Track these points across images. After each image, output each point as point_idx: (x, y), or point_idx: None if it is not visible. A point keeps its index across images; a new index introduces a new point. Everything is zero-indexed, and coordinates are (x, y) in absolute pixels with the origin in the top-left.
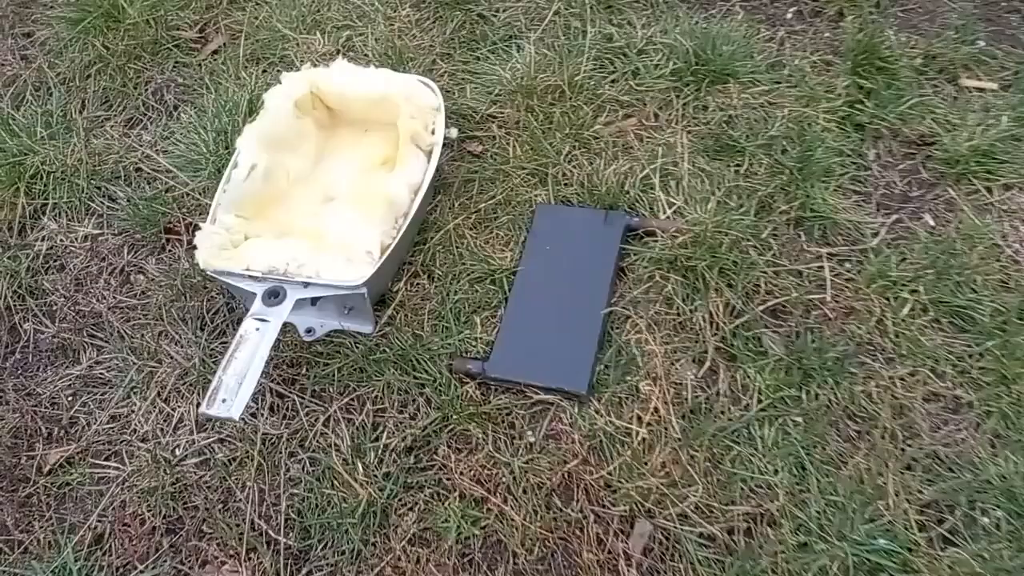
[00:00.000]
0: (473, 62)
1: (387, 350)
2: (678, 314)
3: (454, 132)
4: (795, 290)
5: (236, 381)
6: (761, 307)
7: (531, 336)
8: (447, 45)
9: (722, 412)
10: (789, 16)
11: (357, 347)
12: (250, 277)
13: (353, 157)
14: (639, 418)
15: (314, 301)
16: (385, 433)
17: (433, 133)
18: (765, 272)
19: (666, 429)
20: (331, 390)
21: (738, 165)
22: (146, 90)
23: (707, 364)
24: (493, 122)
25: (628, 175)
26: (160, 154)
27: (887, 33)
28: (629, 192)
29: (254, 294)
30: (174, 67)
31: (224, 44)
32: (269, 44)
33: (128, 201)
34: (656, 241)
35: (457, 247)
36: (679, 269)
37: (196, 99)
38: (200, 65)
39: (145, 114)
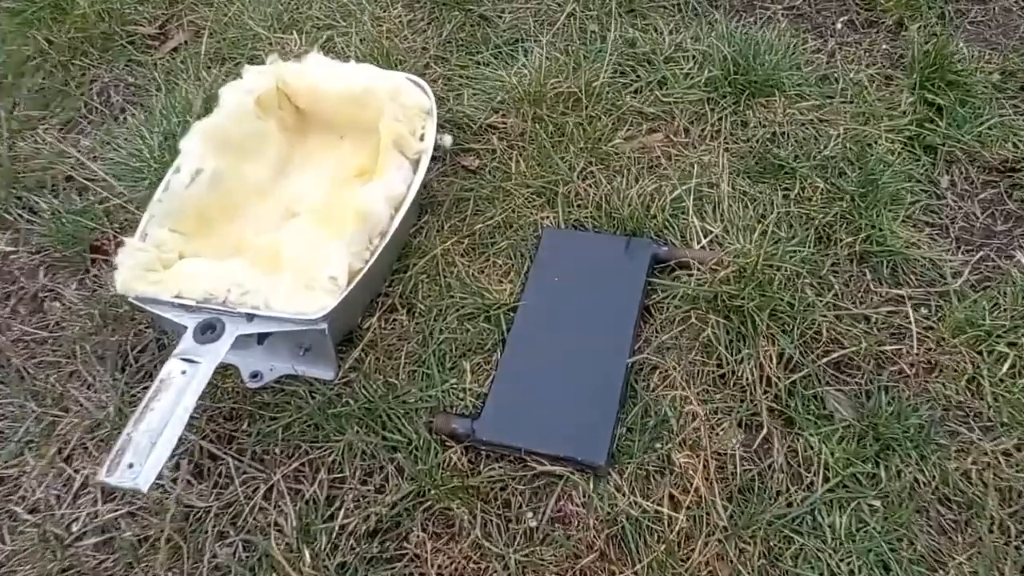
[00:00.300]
0: (473, 66)
1: (351, 402)
2: (719, 365)
3: (448, 139)
4: (863, 339)
5: (149, 440)
6: (824, 359)
7: (534, 389)
8: (443, 48)
9: (779, 493)
10: (839, 26)
11: (313, 397)
12: (181, 306)
13: (324, 167)
14: (674, 499)
15: (261, 339)
16: (342, 511)
17: (422, 139)
18: (826, 316)
19: (709, 514)
20: (277, 452)
21: (787, 188)
22: (90, 90)
23: (762, 431)
24: (493, 133)
25: (655, 197)
26: (96, 161)
27: (959, 46)
28: (656, 217)
29: (185, 327)
30: (125, 66)
31: (186, 42)
32: (238, 43)
33: (52, 214)
34: (691, 275)
35: (445, 276)
36: (721, 309)
37: (146, 100)
38: (156, 64)
39: (86, 116)
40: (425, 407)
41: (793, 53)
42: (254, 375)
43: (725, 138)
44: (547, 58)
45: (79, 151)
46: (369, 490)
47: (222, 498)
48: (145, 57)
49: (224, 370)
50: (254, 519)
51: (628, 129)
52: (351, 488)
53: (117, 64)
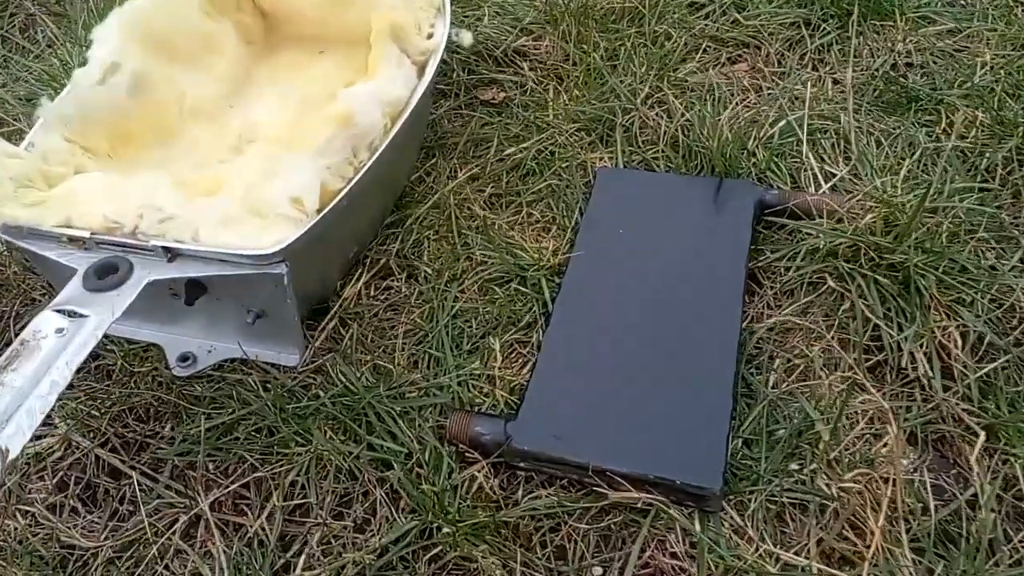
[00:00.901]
0: None
1: (321, 395)
2: (873, 348)
3: (467, 36)
4: None
5: None
6: None
7: (597, 379)
8: None
9: (994, 543)
10: None
11: (267, 389)
12: (70, 239)
13: (295, 87)
14: (830, 551)
15: (191, 297)
16: (303, 557)
17: (430, 37)
18: (1019, 282)
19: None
20: (209, 467)
21: (929, 123)
22: (11, 23)
23: (951, 446)
24: (523, 60)
25: (751, 128)
26: (4, 90)
27: None
28: (756, 154)
29: (74, 270)
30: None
31: None
32: None
33: None
34: (814, 228)
35: (461, 231)
36: (868, 269)
37: (73, 28)
38: None
39: (1, 53)
40: (433, 404)
41: None
42: (184, 358)
43: (831, 67)
44: None
45: None
46: (346, 527)
47: (120, 535)
48: None
49: (144, 352)
50: (167, 568)
51: (702, 57)
52: (318, 523)
53: None
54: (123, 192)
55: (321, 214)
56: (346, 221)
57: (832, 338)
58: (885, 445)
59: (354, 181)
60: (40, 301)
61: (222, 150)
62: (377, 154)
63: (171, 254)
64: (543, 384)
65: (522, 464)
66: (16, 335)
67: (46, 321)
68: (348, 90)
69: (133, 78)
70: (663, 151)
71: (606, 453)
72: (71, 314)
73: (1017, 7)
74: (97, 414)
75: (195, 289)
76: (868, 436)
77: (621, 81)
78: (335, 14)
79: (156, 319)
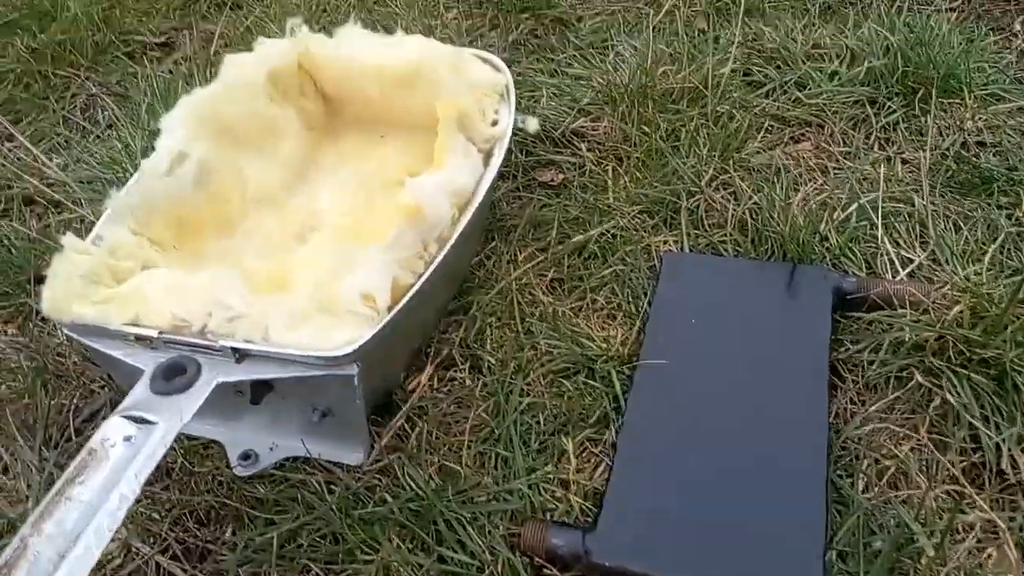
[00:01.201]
0: (550, 71)
1: (388, 499)
2: (970, 448)
3: (533, 122)
4: None
5: (55, 551)
6: None
7: (679, 484)
8: (511, 51)
9: None
10: (1018, 27)
11: (332, 491)
12: (136, 337)
13: (358, 173)
14: None
15: (257, 396)
16: None
17: (495, 125)
18: None
19: None
20: (271, 573)
21: (1009, 205)
22: (72, 104)
23: None
24: (581, 142)
25: (822, 211)
26: (66, 172)
27: None
28: (828, 239)
29: (142, 371)
30: (118, 82)
31: (196, 51)
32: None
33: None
34: (898, 320)
35: (525, 318)
36: (959, 364)
37: (135, 111)
38: (155, 76)
39: (63, 133)
40: (504, 510)
41: (972, 49)
42: (245, 456)
43: (899, 147)
44: (652, 51)
45: (48, 168)
46: None
47: None
48: (143, 69)
49: (204, 449)
50: None
51: (764, 137)
52: None
53: (109, 78)
54: (191, 289)
55: (393, 312)
56: (415, 315)
57: (923, 437)
58: (990, 557)
59: (425, 277)
60: (98, 393)
61: (286, 239)
62: (447, 247)
63: (240, 354)
64: (621, 491)
65: None
66: (76, 429)
67: (115, 428)
68: (415, 181)
69: (199, 167)
70: (731, 235)
71: (692, 568)
72: (139, 420)
73: None
74: (158, 517)
75: (261, 388)
76: (974, 550)
77: (683, 162)
78: (399, 98)
79: (218, 415)
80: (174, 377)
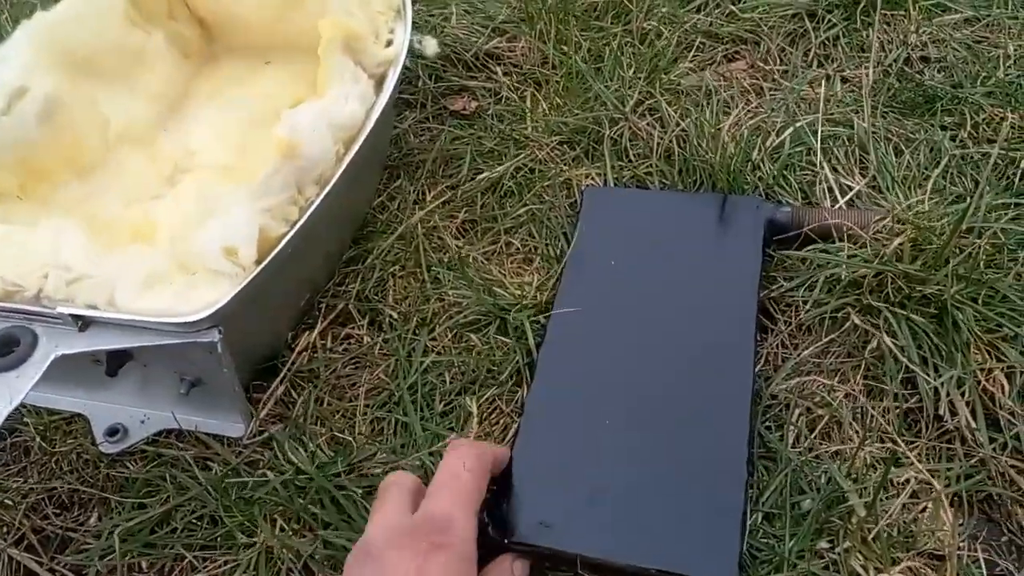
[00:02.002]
0: None
1: (270, 475)
2: (906, 394)
3: (432, 44)
4: None
5: None
6: None
7: (589, 447)
8: None
9: None
10: None
11: (208, 467)
12: None
13: (238, 104)
14: None
15: (113, 367)
16: None
17: (389, 44)
18: None
19: None
20: (143, 566)
21: (954, 125)
22: None
23: (1000, 509)
24: (497, 64)
25: (755, 137)
26: None
27: None
28: (761, 166)
29: None
30: None
31: None
32: None
33: None
34: (831, 253)
35: (431, 265)
36: (898, 303)
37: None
38: None
39: None
40: None
41: None
42: (112, 432)
43: (840, 64)
44: None
45: None
46: None
47: None
48: None
49: (67, 424)
50: None
51: (695, 56)
52: None
53: None
54: (26, 247)
55: (260, 266)
56: (294, 268)
57: (858, 382)
58: (924, 511)
59: (300, 224)
60: None
61: (155, 182)
62: (328, 188)
63: (82, 322)
64: (525, 458)
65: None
66: None
67: None
68: (291, 113)
69: (45, 104)
70: (657, 165)
71: (602, 542)
72: None
73: None
74: (11, 503)
75: (117, 357)
76: (908, 505)
77: (607, 86)
78: (282, 20)
79: (80, 385)
80: (5, 352)
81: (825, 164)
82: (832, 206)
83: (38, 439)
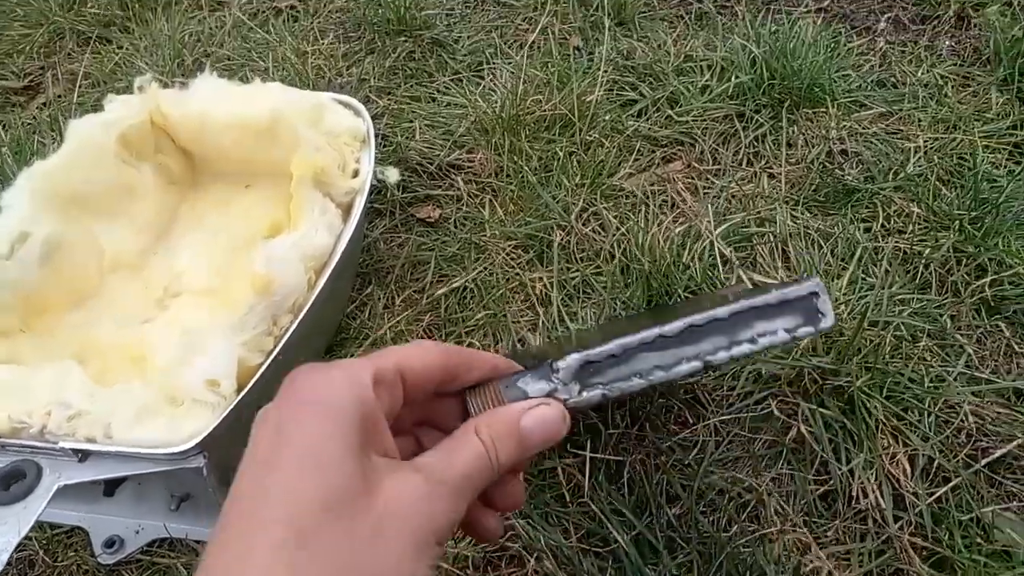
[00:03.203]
0: (427, 97)
1: None
2: (822, 479)
3: (393, 173)
4: None
5: None
6: (978, 462)
7: None
8: (386, 78)
9: None
10: (883, 25)
11: None
12: None
13: (223, 227)
14: None
15: (111, 488)
16: None
17: (355, 175)
18: (962, 394)
19: None
20: None
21: (867, 219)
22: None
23: None
24: (458, 174)
25: (687, 239)
26: None
27: None
28: (691, 267)
29: None
30: None
31: (60, 95)
32: (126, 92)
33: None
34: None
35: None
36: (812, 395)
37: None
38: (20, 124)
39: None
40: None
41: (837, 55)
42: (110, 544)
43: (767, 162)
44: (524, 77)
45: None
46: None
47: None
48: (6, 116)
49: (67, 537)
50: None
51: (636, 159)
52: None
53: None
54: (29, 386)
55: (240, 395)
56: (272, 387)
57: (782, 467)
58: None
59: (275, 352)
60: None
61: (146, 306)
62: (301, 315)
63: (82, 454)
64: None
65: None
66: None
67: None
68: (266, 247)
69: (45, 246)
70: (602, 268)
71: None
72: None
73: (946, 86)
74: None
75: (114, 481)
76: None
77: (554, 196)
78: (258, 152)
79: (81, 501)
80: (13, 482)
81: (748, 263)
82: None
83: (41, 553)
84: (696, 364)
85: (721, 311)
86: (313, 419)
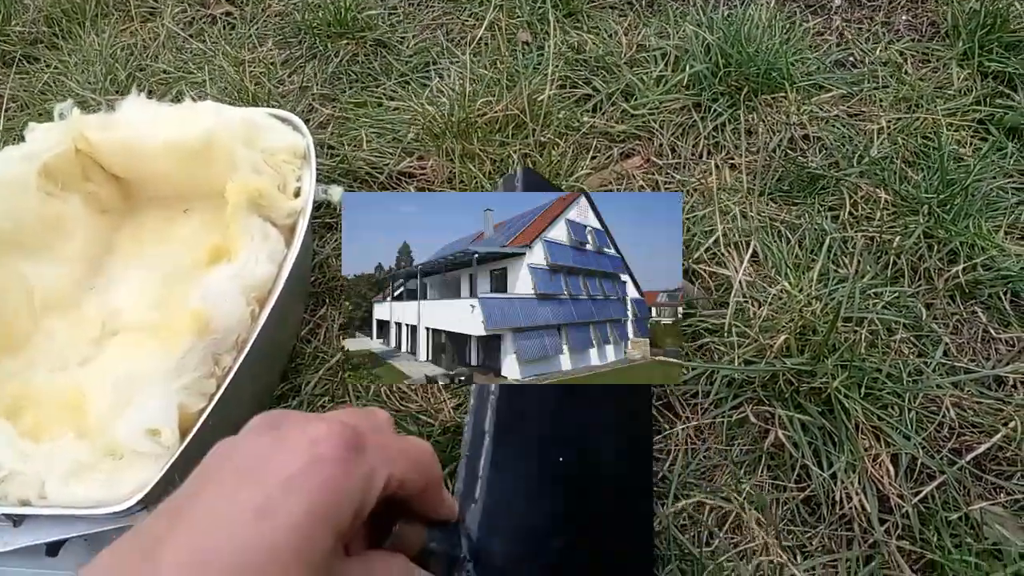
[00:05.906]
0: (373, 103)
1: None
2: (802, 485)
3: (337, 192)
4: (1009, 415)
5: None
6: (963, 457)
7: (508, 546)
8: (330, 84)
9: None
10: (838, 3)
11: None
12: None
13: (162, 256)
14: None
15: (53, 548)
16: None
17: (297, 195)
18: (942, 387)
19: None
20: None
21: (834, 207)
22: None
23: None
24: (409, 182)
25: None
26: None
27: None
28: None
29: None
30: None
31: None
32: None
33: None
34: (726, 345)
35: (361, 395)
36: (788, 398)
37: None
38: None
39: None
40: None
41: (793, 37)
42: None
43: (728, 152)
44: (472, 77)
45: None
46: None
47: None
48: None
49: None
50: None
51: (594, 157)
52: None
53: None
54: None
55: (183, 444)
56: (220, 428)
57: (761, 473)
58: None
59: (219, 395)
60: None
61: (83, 346)
62: (245, 352)
63: (16, 519)
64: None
65: None
66: None
67: None
68: (203, 282)
69: None
70: None
71: None
72: None
73: (906, 63)
74: None
75: (54, 544)
76: None
77: None
78: (195, 176)
79: (26, 560)
80: None
81: (711, 258)
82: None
83: None
84: None
85: None
86: None
